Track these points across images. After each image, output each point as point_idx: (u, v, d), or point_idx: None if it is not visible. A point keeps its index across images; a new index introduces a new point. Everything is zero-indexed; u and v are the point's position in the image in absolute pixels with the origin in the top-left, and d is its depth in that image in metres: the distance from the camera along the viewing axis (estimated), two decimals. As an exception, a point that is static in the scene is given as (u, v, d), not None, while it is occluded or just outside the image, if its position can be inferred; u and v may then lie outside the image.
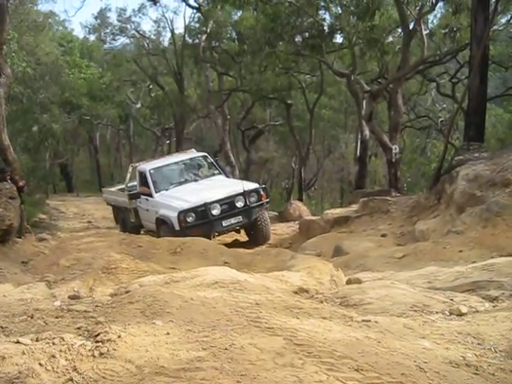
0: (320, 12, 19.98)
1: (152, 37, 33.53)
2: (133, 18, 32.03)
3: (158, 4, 29.05)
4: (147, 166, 14.33)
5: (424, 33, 19.70)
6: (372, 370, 2.38)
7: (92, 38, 36.16)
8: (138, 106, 36.45)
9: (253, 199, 12.80)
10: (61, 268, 7.53)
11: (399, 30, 21.30)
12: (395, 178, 18.34)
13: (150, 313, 3.29)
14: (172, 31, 30.95)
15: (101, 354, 2.58)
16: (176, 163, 14.68)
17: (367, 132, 19.81)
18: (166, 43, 33.48)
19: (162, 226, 12.73)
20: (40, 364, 2.42)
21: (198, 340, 2.71)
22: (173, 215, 12.19)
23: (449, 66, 25.48)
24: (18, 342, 2.67)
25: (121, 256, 7.74)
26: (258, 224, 13.19)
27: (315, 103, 26.10)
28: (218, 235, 12.89)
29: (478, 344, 3.16)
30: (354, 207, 13.70)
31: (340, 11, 19.92)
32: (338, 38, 22.18)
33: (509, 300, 4.33)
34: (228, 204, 12.51)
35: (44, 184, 30.34)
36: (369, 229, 11.50)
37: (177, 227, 12.07)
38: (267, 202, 13.40)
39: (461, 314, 3.82)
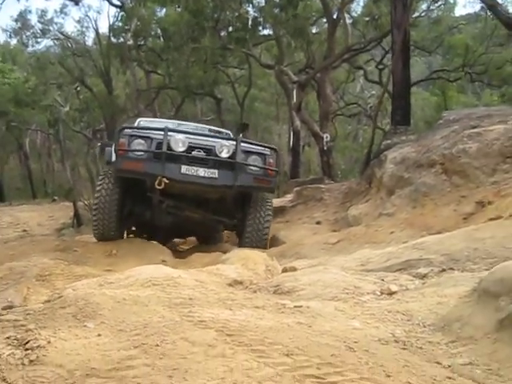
0: (243, 5, 20.08)
1: (76, 37, 32.90)
2: (55, 19, 31.36)
3: (80, 4, 28.56)
4: (143, 119, 11.64)
5: (347, 21, 20.09)
6: (302, 353, 2.41)
7: (14, 41, 35.25)
8: (67, 109, 35.68)
9: (251, 159, 8.51)
10: (-7, 279, 7.34)
11: (324, 20, 21.64)
12: (328, 165, 18.62)
13: (81, 316, 3.24)
14: (96, 31, 30.47)
15: (30, 361, 2.53)
16: (183, 124, 11.40)
17: (298, 122, 20.04)
18: (90, 43, 32.93)
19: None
20: (-34, 377, 2.36)
21: (130, 339, 2.69)
22: (116, 138, 8.44)
23: (375, 52, 26.06)
24: None
25: (55, 262, 7.59)
26: (249, 214, 8.86)
27: (245, 96, 26.20)
28: (163, 194, 8.38)
29: (407, 320, 3.25)
30: (289, 197, 13.83)
31: (263, 3, 20.09)
32: (265, 31, 22.40)
33: (437, 276, 4.46)
34: (204, 149, 8.31)
35: (-27, 194, 29.50)
36: (304, 217, 11.64)
37: (113, 156, 8.67)
38: (275, 176, 8.73)
39: (391, 293, 3.92)
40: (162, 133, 8.15)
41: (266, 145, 9.39)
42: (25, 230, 21.39)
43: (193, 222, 9.47)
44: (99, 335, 2.81)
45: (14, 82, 30.97)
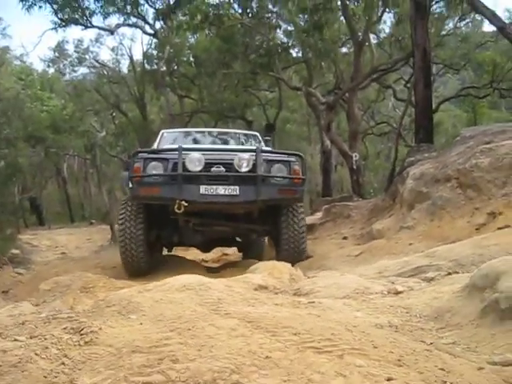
0: (272, 30, 20.75)
1: (111, 65, 34.02)
2: (91, 48, 32.53)
3: (114, 33, 29.61)
4: (167, 130, 11.22)
5: (373, 42, 20.60)
6: (307, 333, 2.91)
7: (51, 70, 36.53)
8: (103, 134, 36.71)
9: (275, 169, 8.05)
10: (41, 292, 7.93)
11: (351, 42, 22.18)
12: (358, 184, 19.03)
13: (125, 312, 3.79)
14: (131, 58, 31.45)
15: (85, 342, 3.07)
16: (209, 132, 11.32)
17: (328, 142, 20.56)
18: (125, 70, 33.98)
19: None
20: (36, 354, 2.90)
21: (166, 325, 3.23)
22: (131, 164, 8.15)
23: (405, 70, 26.46)
24: (15, 339, 3.16)
25: (97, 276, 8.17)
26: (281, 222, 8.45)
27: (276, 118, 26.79)
28: (187, 213, 7.96)
29: (406, 312, 3.73)
30: (318, 215, 14.30)
31: (291, 28, 20.75)
32: (294, 53, 23.05)
33: (443, 279, 4.92)
34: (223, 164, 7.92)
35: (14, 219, 30.41)
36: (332, 233, 12.08)
37: (129, 183, 8.36)
38: (301, 185, 8.19)
39: (397, 293, 4.40)
40: (175, 147, 7.99)
41: (290, 152, 8.92)
42: (63, 253, 22.10)
43: (224, 234, 9.50)
44: (141, 324, 3.36)
45: (52, 110, 32.02)
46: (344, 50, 24.40)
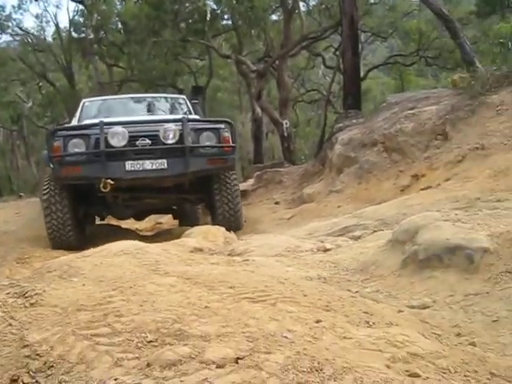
0: (201, -3, 20.64)
1: (35, 33, 33.05)
2: (13, 15, 31.46)
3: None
4: (87, 99, 10.44)
5: (302, 10, 20.80)
6: (242, 286, 3.12)
7: (-29, 37, 35.20)
8: (30, 104, 35.80)
9: (203, 137, 7.65)
10: (-26, 265, 7.89)
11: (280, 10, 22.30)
12: (289, 151, 19.36)
13: (66, 275, 3.90)
14: (57, 26, 30.66)
15: (31, 304, 3.18)
16: (132, 99, 10.63)
17: (259, 110, 20.75)
18: (50, 38, 33.06)
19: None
20: (-19, 318, 3.01)
21: (109, 285, 3.37)
22: (51, 143, 7.50)
23: (334, 38, 26.79)
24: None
25: (32, 247, 8.15)
26: (214, 189, 8.15)
27: (206, 86, 26.73)
28: (114, 190, 7.48)
29: (334, 267, 4.00)
30: (250, 181, 14.55)
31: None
32: (224, 21, 22.98)
33: (369, 236, 5.22)
34: (149, 136, 7.45)
35: None
36: (264, 199, 12.37)
37: (47, 162, 7.98)
38: (232, 153, 7.89)
39: (326, 250, 4.68)
40: (96, 121, 7.48)
41: (218, 119, 8.71)
42: (-9, 227, 21.60)
43: (156, 206, 9.38)
44: (83, 285, 3.49)
45: (-26, 80, 31.05)
46: (274, 17, 24.53)
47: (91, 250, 5.52)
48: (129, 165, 7.27)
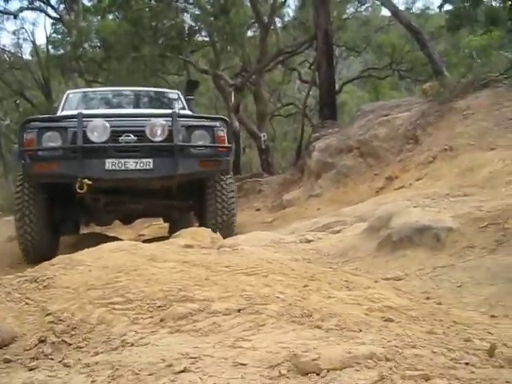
0: (180, 14, 21.05)
1: (12, 50, 33.02)
2: (-12, 32, 31.46)
3: (16, 17, 28.89)
4: (72, 90, 9.74)
5: (278, 26, 21.31)
6: (236, 266, 3.49)
7: None
8: (7, 122, 35.72)
9: (196, 136, 6.69)
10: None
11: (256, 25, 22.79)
12: (267, 163, 19.75)
13: (70, 267, 4.22)
14: (34, 43, 30.72)
15: (44, 286, 3.51)
16: (121, 92, 9.54)
17: (237, 123, 21.11)
18: (27, 56, 33.11)
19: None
20: (1, 297, 3.34)
21: (114, 269, 3.73)
22: (22, 135, 6.56)
23: (309, 53, 27.30)
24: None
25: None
26: (207, 194, 7.20)
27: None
28: (93, 191, 6.59)
29: (316, 253, 4.40)
30: (231, 191, 14.90)
31: (198, 12, 21.12)
32: (201, 37, 23.40)
33: (347, 230, 5.63)
34: (133, 131, 6.54)
35: None
36: (245, 208, 12.73)
37: (18, 158, 6.72)
38: (227, 154, 6.91)
39: (308, 241, 5.07)
40: (75, 113, 6.66)
41: (213, 116, 7.76)
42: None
43: (140, 212, 8.48)
44: (90, 271, 3.83)
45: (-50, 97, 30.89)
46: (250, 33, 25.01)
47: (86, 250, 5.85)
48: (109, 163, 6.38)
